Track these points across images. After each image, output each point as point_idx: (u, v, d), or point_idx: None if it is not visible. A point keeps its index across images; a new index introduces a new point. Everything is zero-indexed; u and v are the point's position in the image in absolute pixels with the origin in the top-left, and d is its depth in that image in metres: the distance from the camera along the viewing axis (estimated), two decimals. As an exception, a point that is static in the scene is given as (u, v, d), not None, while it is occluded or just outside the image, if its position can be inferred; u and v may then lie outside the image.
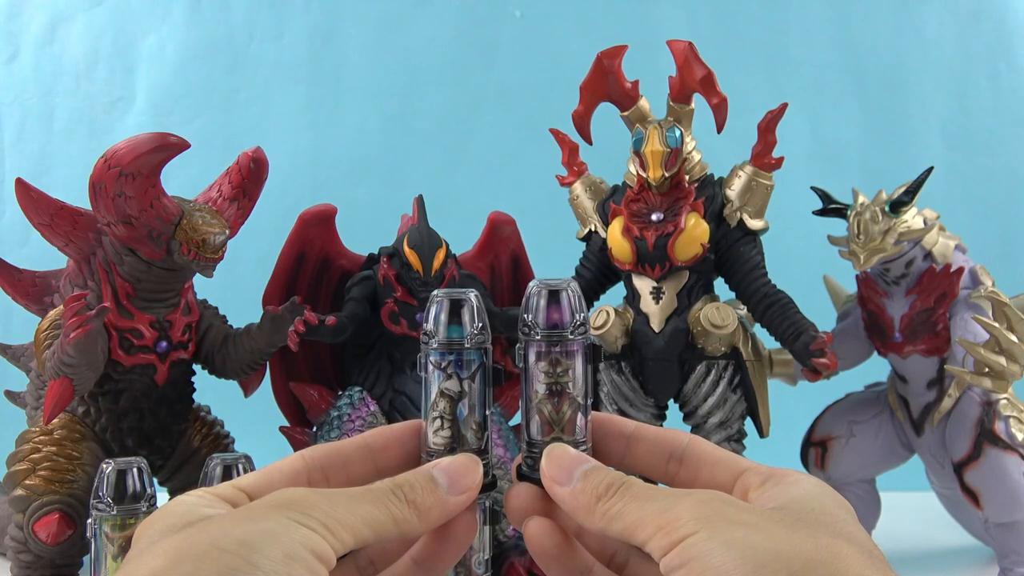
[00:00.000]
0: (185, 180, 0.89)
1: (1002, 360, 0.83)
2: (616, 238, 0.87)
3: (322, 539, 0.32)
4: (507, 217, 0.95)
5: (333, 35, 1.97)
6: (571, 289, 0.41)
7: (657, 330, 0.86)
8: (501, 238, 0.95)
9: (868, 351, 0.96)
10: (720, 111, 0.84)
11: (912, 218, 0.87)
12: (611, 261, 0.89)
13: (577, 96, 0.90)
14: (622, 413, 0.87)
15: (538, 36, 1.93)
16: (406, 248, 0.84)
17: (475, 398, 0.41)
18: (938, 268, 0.88)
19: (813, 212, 0.93)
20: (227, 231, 0.83)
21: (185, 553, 0.30)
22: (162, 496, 0.79)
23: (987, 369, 0.84)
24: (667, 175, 0.85)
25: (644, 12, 1.91)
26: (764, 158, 0.86)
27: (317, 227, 0.90)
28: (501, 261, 0.96)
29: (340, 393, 0.88)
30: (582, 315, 0.41)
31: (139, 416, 0.86)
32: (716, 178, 0.88)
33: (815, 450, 0.97)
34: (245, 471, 0.67)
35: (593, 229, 0.92)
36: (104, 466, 0.66)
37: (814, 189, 0.93)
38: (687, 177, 0.86)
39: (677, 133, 0.85)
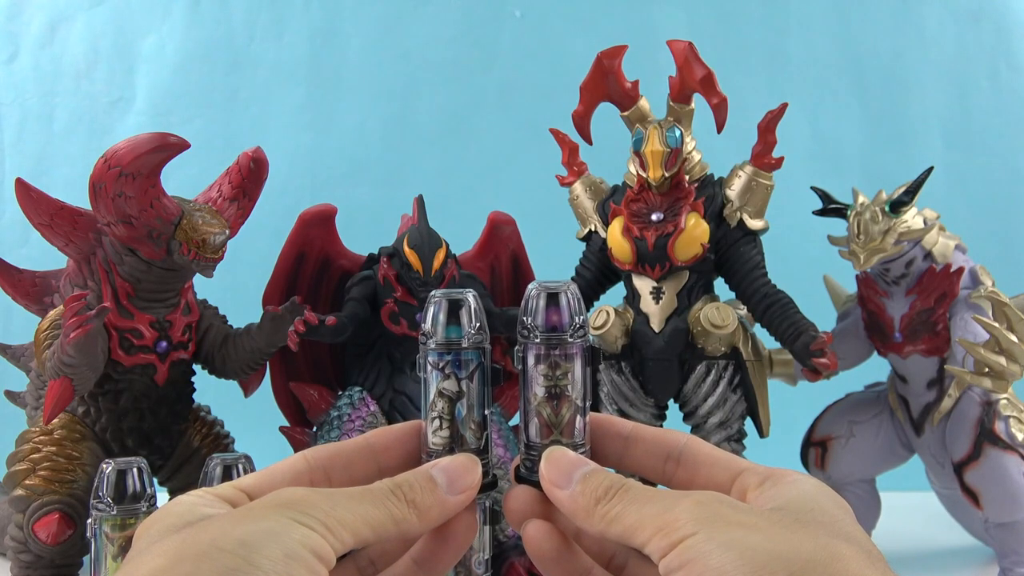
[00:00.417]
0: (185, 180, 0.89)
1: (1002, 360, 0.83)
2: (616, 238, 0.87)
3: (322, 539, 0.32)
4: (507, 217, 0.95)
5: (333, 35, 1.97)
6: (570, 291, 0.41)
7: (657, 330, 0.86)
8: (501, 238, 0.95)
9: (868, 351, 0.96)
10: (720, 111, 0.84)
11: (912, 218, 0.87)
12: (611, 261, 0.89)
13: (577, 96, 0.90)
14: (622, 413, 0.87)
15: (538, 36, 1.93)
16: (406, 248, 0.84)
17: (473, 398, 0.41)
18: (938, 268, 0.88)
19: (813, 212, 0.93)
20: (227, 231, 0.83)
21: (185, 553, 0.31)
22: (162, 496, 0.80)
23: (987, 369, 0.84)
24: (667, 175, 0.85)
25: (644, 12, 1.91)
26: (764, 158, 0.86)
27: (317, 227, 0.90)
28: (501, 261, 0.96)
29: (340, 393, 0.88)
30: (581, 317, 0.41)
31: (139, 416, 0.86)
32: (716, 178, 0.88)
33: (815, 450, 0.97)
34: (245, 471, 0.67)
35: (593, 229, 0.92)
36: (104, 466, 0.66)
37: (814, 189, 0.93)
38: (687, 177, 0.87)
39: (677, 133, 0.85)
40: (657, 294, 0.87)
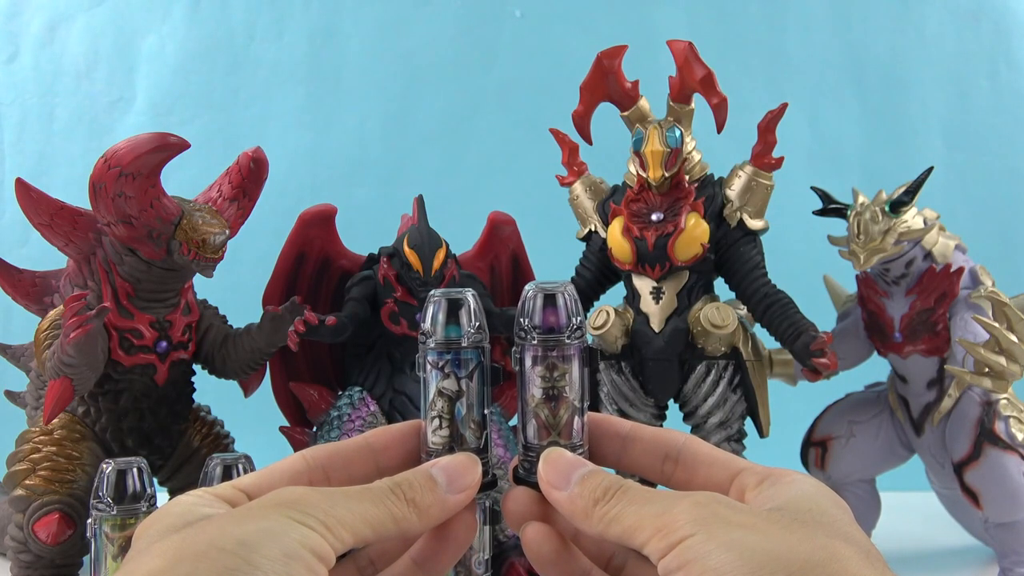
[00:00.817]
0: (185, 180, 0.89)
1: (1002, 360, 0.83)
2: (616, 238, 0.87)
3: (321, 538, 0.32)
4: (507, 217, 0.95)
5: (333, 35, 1.97)
6: (567, 292, 0.41)
7: (657, 330, 0.86)
8: (501, 238, 0.95)
9: (868, 351, 0.96)
10: (720, 111, 0.84)
11: (912, 218, 0.87)
12: (611, 261, 0.89)
13: (577, 96, 0.90)
14: (622, 413, 0.87)
15: (538, 36, 1.93)
16: (406, 248, 0.84)
17: (473, 397, 0.41)
18: (938, 268, 0.88)
19: (813, 212, 0.93)
20: (227, 231, 0.83)
21: (184, 553, 0.30)
22: (162, 496, 0.80)
23: (987, 369, 0.84)
24: (667, 175, 0.85)
25: (644, 12, 1.91)
26: (764, 158, 0.86)
27: (317, 227, 0.90)
28: (501, 261, 0.96)
29: (340, 393, 0.88)
30: (578, 318, 0.41)
31: (139, 416, 0.86)
32: (716, 178, 0.88)
33: (815, 450, 0.97)
34: (245, 471, 0.67)
35: (593, 229, 0.92)
36: (104, 466, 0.66)
37: (814, 189, 0.93)
38: (687, 177, 0.87)
39: (677, 133, 0.85)
40: (657, 294, 0.87)
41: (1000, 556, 0.90)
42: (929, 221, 0.88)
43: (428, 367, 0.41)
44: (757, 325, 0.89)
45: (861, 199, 0.89)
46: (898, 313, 0.90)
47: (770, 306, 0.85)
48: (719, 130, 0.85)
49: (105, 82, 1.99)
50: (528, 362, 0.41)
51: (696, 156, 0.88)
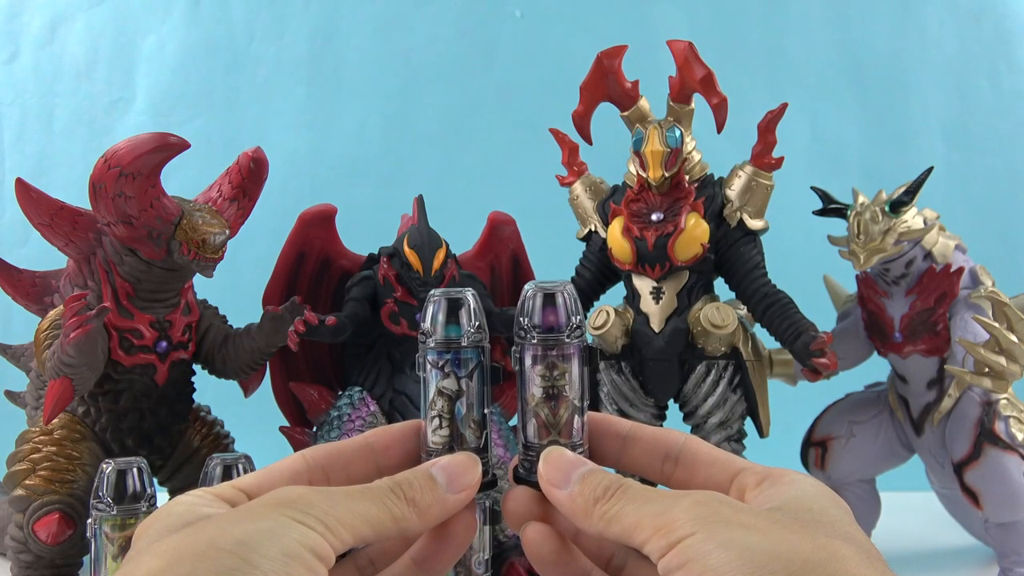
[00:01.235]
0: (185, 180, 0.89)
1: (1002, 360, 0.83)
2: (616, 238, 0.87)
3: (321, 538, 0.32)
4: (507, 217, 0.95)
5: (333, 35, 1.98)
6: (566, 291, 0.41)
7: (657, 330, 0.86)
8: (501, 238, 0.95)
9: (868, 351, 0.96)
10: (720, 111, 0.84)
11: (912, 218, 0.87)
12: (611, 261, 0.89)
13: (577, 96, 0.90)
14: (622, 413, 0.87)
15: (538, 36, 1.93)
16: (406, 248, 0.84)
17: (473, 397, 0.41)
18: (938, 268, 0.88)
19: (813, 212, 0.93)
20: (227, 231, 0.83)
21: (183, 553, 0.30)
22: (162, 496, 0.80)
23: (987, 369, 0.84)
24: (667, 175, 0.85)
25: (644, 12, 1.91)
26: (764, 158, 0.86)
27: (317, 227, 0.90)
28: (501, 261, 0.96)
29: (340, 393, 0.88)
30: (578, 317, 0.41)
31: (139, 416, 0.86)
32: (716, 178, 0.88)
33: (815, 450, 0.97)
34: (245, 471, 0.67)
35: (593, 229, 0.92)
36: (104, 466, 0.66)
37: (814, 189, 0.93)
38: (687, 177, 0.86)
39: (677, 133, 0.85)
40: (657, 294, 0.87)
41: (1000, 556, 0.90)
42: (929, 221, 0.88)
43: (428, 367, 0.41)
44: (757, 325, 0.89)
45: (861, 199, 0.89)
46: (898, 313, 0.90)
47: (770, 306, 0.85)
48: (719, 130, 0.85)
49: (105, 82, 1.99)
50: (528, 361, 0.41)
51: (696, 156, 0.88)
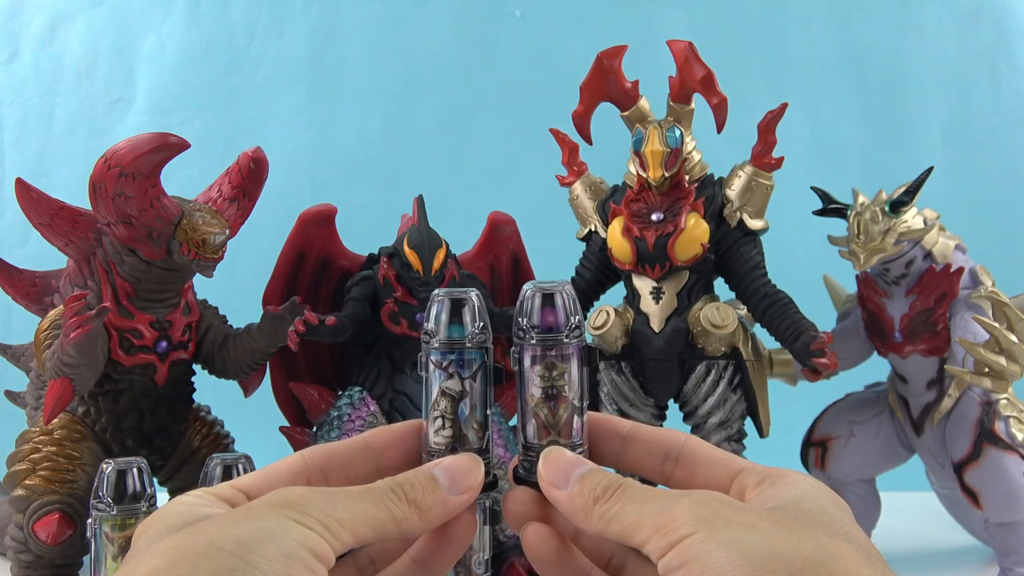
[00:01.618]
0: (185, 180, 0.89)
1: (1002, 360, 0.83)
2: (616, 238, 0.87)
3: (320, 538, 0.32)
4: (507, 217, 0.95)
5: (333, 35, 1.98)
6: (565, 292, 0.41)
7: (657, 330, 0.86)
8: (501, 238, 0.95)
9: (868, 351, 0.96)
10: (720, 111, 0.84)
11: (912, 218, 0.87)
12: (611, 261, 0.89)
13: (577, 96, 0.90)
14: (622, 413, 0.87)
15: (538, 36, 1.93)
16: (406, 248, 0.84)
17: (476, 397, 0.40)
18: (938, 268, 0.88)
19: (813, 212, 0.93)
20: (227, 231, 0.83)
21: (183, 553, 0.30)
22: (162, 496, 0.80)
23: (987, 369, 0.84)
24: (667, 175, 0.85)
25: (644, 12, 1.91)
26: (764, 158, 0.86)
27: (317, 227, 0.90)
28: (501, 261, 0.96)
29: (340, 393, 0.88)
30: (577, 317, 0.41)
31: (139, 416, 0.86)
32: (716, 178, 0.88)
33: (815, 450, 0.97)
34: (245, 471, 0.67)
35: (593, 229, 0.92)
36: (104, 466, 0.66)
37: (814, 189, 0.93)
38: (687, 177, 0.86)
39: (677, 133, 0.85)
40: (657, 294, 0.87)
41: (1000, 556, 0.90)
42: (929, 221, 0.88)
43: (431, 367, 0.41)
44: (757, 325, 0.89)
45: (861, 199, 0.89)
46: (898, 313, 0.90)
47: (770, 306, 0.85)
48: (719, 130, 0.85)
49: (105, 82, 1.99)
50: (527, 362, 0.41)
51: (696, 156, 0.88)
